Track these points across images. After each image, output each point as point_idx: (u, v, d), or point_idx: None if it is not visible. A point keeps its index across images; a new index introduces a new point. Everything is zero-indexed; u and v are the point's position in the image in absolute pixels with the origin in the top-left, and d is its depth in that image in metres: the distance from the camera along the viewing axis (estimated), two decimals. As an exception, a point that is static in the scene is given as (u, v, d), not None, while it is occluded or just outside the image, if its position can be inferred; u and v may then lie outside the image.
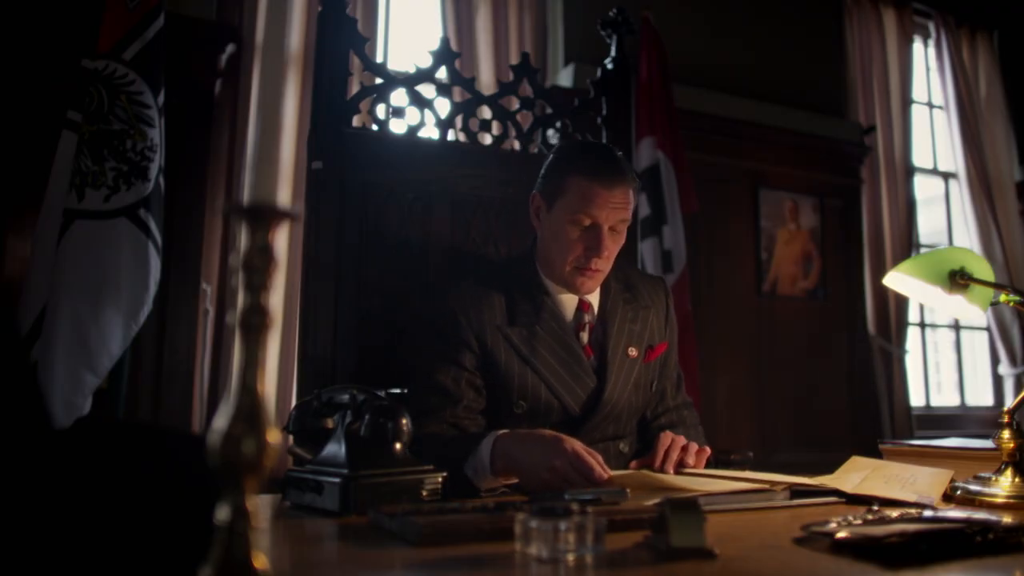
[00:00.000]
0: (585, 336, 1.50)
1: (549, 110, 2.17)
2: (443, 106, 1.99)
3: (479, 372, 1.44)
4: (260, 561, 0.46)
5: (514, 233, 1.99)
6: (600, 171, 1.42)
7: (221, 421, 0.47)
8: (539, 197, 1.51)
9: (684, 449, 1.34)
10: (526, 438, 1.25)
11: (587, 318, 1.50)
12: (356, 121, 1.91)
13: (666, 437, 1.36)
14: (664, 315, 1.61)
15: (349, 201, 1.84)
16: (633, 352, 1.50)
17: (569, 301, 1.51)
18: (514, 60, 3.06)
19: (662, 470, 1.31)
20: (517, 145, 2.08)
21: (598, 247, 1.41)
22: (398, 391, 1.59)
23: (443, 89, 2.00)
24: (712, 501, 1.05)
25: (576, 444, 1.19)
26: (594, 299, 1.53)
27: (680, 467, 1.33)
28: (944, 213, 4.98)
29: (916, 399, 4.41)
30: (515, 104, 2.10)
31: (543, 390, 1.43)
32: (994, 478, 1.15)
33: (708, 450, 1.37)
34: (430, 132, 1.97)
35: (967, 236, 4.63)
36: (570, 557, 0.73)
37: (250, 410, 0.47)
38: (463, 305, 1.45)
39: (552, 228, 1.46)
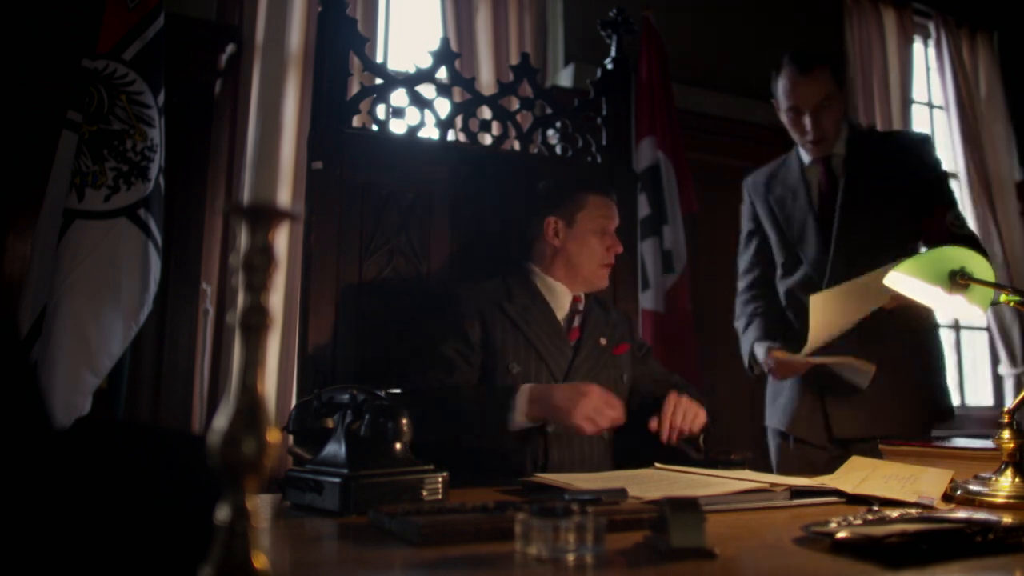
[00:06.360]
0: (576, 321, 1.75)
1: (549, 110, 2.17)
2: (443, 106, 1.98)
3: (477, 348, 1.64)
4: (260, 561, 0.46)
5: (513, 233, 1.99)
6: (609, 191, 1.81)
7: (221, 421, 0.47)
8: (556, 220, 1.76)
9: (682, 410, 1.57)
10: (556, 386, 1.52)
11: (580, 307, 1.77)
12: (356, 121, 1.91)
13: (672, 397, 1.58)
14: (628, 329, 1.86)
15: (349, 201, 1.84)
16: (603, 341, 1.75)
17: (563, 294, 1.76)
18: (514, 60, 3.06)
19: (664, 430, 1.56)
20: (517, 145, 2.08)
21: (618, 244, 1.77)
22: (398, 391, 1.60)
23: (443, 89, 2.00)
24: (712, 501, 1.05)
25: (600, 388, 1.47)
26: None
27: (680, 435, 1.57)
28: (944, 213, 4.97)
29: (916, 399, 4.40)
30: (515, 104, 2.09)
31: (533, 354, 1.65)
32: (994, 478, 1.15)
33: (703, 416, 1.59)
34: (430, 132, 1.96)
35: (967, 236, 4.62)
36: (570, 557, 0.73)
37: (250, 410, 0.47)
38: (466, 288, 1.72)
39: (578, 239, 1.74)
